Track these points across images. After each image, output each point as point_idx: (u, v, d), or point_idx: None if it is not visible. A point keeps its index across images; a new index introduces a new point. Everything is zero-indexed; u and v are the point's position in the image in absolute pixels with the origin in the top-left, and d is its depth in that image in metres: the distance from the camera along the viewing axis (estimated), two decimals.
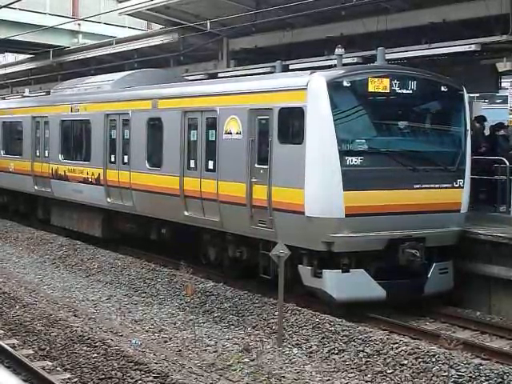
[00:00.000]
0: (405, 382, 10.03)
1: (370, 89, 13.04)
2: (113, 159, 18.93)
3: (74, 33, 33.91)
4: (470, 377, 9.77)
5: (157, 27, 28.78)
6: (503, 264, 13.57)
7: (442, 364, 10.14)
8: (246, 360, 10.97)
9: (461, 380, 9.75)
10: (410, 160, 13.45)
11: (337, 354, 11.18)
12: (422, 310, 13.63)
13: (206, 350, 11.58)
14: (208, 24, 21.92)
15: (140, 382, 9.54)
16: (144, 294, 15.23)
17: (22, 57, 39.89)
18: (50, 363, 10.41)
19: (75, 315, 13.20)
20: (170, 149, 16.61)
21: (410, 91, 13.37)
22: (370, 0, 17.56)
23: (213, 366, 10.69)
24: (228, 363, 10.83)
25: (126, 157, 18.38)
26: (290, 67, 18.71)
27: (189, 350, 11.58)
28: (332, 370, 10.65)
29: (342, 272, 12.89)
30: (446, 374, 9.87)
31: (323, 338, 11.73)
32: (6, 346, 10.76)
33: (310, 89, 12.93)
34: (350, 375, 10.44)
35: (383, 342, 11.14)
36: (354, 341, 11.40)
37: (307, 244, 13.05)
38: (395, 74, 13.49)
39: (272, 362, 10.92)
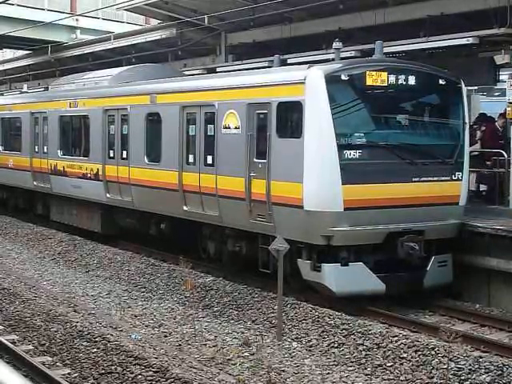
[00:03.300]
0: (404, 374, 10.04)
1: (368, 82, 13.01)
2: (112, 154, 18.91)
3: (72, 28, 33.83)
4: (470, 369, 9.78)
5: (155, 22, 28.74)
6: (502, 256, 13.57)
7: (442, 357, 10.14)
8: (246, 354, 10.99)
9: (460, 372, 9.76)
10: (409, 153, 13.45)
11: (336, 347, 11.20)
12: (422, 303, 13.63)
13: (205, 344, 11.58)
14: (206, 18, 21.90)
15: (140, 376, 9.54)
16: (143, 289, 15.23)
17: (20, 53, 39.83)
18: (49, 358, 10.41)
19: (75, 310, 13.20)
20: (169, 144, 16.59)
21: (408, 84, 13.35)
22: None
23: (212, 361, 10.70)
24: (228, 357, 10.84)
25: (124, 152, 18.36)
26: (289, 61, 18.68)
27: (188, 344, 11.59)
28: (332, 364, 10.67)
29: (341, 266, 12.87)
30: (445, 366, 9.86)
31: (323, 331, 11.74)
32: (5, 342, 10.76)
33: (308, 82, 12.92)
34: (349, 368, 10.45)
35: (383, 335, 11.16)
36: (353, 334, 11.41)
37: (306, 238, 13.05)
38: (393, 67, 13.49)
39: (272, 355, 10.93)
